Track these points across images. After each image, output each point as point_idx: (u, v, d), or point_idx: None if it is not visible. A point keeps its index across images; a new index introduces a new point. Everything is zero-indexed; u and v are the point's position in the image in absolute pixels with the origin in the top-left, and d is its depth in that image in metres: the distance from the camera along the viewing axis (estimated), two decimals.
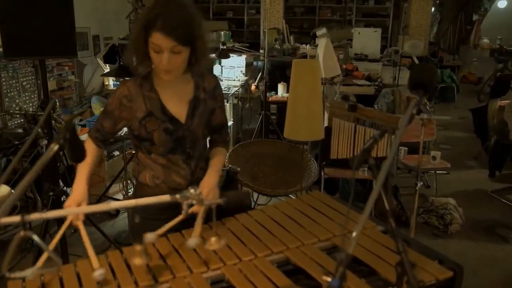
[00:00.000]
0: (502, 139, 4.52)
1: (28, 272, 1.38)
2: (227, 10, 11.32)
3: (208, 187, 1.69)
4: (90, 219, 3.40)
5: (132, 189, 4.24)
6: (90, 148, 1.78)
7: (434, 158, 4.21)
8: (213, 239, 1.26)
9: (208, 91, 1.82)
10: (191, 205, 1.26)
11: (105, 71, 5.51)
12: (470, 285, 3.05)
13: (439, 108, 7.78)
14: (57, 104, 1.34)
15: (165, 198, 1.12)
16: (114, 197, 4.16)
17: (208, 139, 1.93)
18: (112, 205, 1.06)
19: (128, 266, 1.54)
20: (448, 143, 6.34)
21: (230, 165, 3.38)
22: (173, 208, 1.57)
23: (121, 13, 7.53)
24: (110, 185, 3.98)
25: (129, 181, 3.99)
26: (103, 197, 3.89)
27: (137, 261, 1.19)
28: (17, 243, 0.97)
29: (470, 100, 8.46)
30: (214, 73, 4.96)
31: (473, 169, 5.38)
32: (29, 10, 2.39)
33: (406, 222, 3.79)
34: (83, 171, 1.72)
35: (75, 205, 1.63)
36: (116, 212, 3.97)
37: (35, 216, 0.99)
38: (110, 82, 5.47)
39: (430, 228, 3.86)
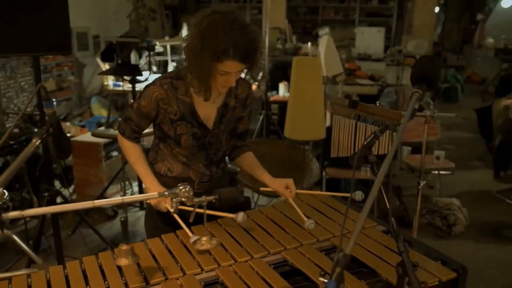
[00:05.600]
0: (508, 138, 4.44)
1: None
2: None
3: (291, 183, 1.82)
4: (86, 221, 3.35)
5: (130, 190, 4.19)
6: (135, 148, 1.80)
7: (438, 158, 4.13)
8: (204, 238, 1.20)
9: (239, 99, 1.82)
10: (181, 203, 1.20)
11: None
12: None
13: (443, 108, 7.69)
14: (43, 90, 1.23)
15: (153, 195, 1.06)
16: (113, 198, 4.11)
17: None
18: (97, 203, 1.00)
19: (120, 268, 1.49)
20: (452, 143, 6.26)
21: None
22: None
23: (121, 13, 7.50)
24: (108, 186, 3.93)
25: (127, 182, 3.94)
26: (100, 198, 3.83)
27: (123, 261, 1.13)
28: None
29: (474, 100, 8.38)
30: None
31: (478, 169, 5.29)
32: (22, 6, 2.35)
33: (409, 223, 3.72)
34: (144, 169, 1.77)
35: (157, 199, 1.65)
36: (114, 214, 3.92)
37: (13, 214, 0.94)
38: (110, 82, 5.41)
39: (433, 229, 3.79)
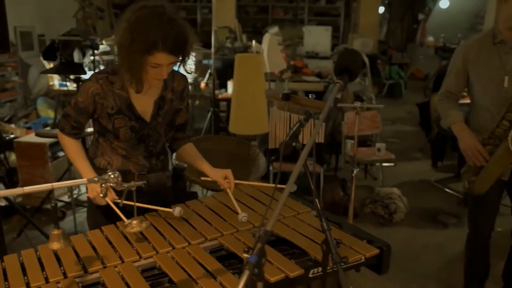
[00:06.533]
0: (441, 130, 4.73)
1: None
2: (180, 9, 11.22)
3: (230, 174, 1.91)
4: (33, 223, 3.30)
5: (77, 190, 4.15)
6: (75, 144, 1.83)
7: (379, 150, 4.34)
8: (134, 222, 1.26)
9: (176, 92, 1.87)
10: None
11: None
12: (414, 270, 3.16)
13: (387, 103, 8.02)
14: None
15: (83, 181, 1.11)
16: (60, 199, 4.05)
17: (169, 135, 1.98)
18: (26, 189, 1.04)
19: (59, 259, 1.51)
20: (396, 136, 6.56)
21: (177, 162, 3.35)
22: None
23: (67, 12, 7.33)
24: None
25: None
26: (47, 199, 3.77)
27: (55, 245, 1.17)
28: None
29: (417, 96, 8.78)
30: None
31: (418, 160, 5.58)
32: None
33: (354, 213, 3.89)
34: (84, 164, 1.79)
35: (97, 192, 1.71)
36: (63, 215, 3.87)
37: None
38: (55, 82, 5.29)
39: (376, 217, 3.98)
